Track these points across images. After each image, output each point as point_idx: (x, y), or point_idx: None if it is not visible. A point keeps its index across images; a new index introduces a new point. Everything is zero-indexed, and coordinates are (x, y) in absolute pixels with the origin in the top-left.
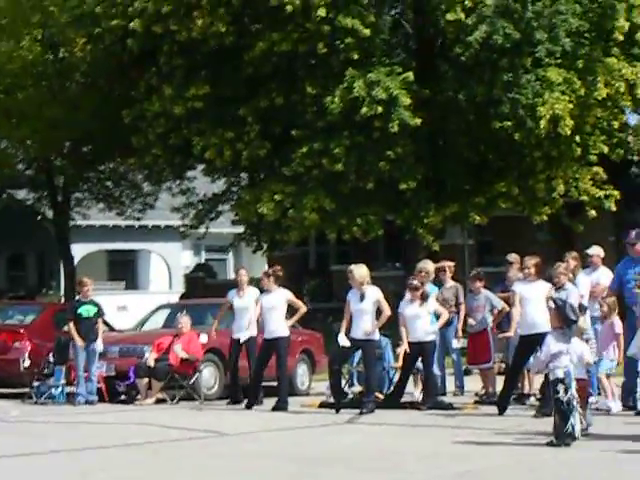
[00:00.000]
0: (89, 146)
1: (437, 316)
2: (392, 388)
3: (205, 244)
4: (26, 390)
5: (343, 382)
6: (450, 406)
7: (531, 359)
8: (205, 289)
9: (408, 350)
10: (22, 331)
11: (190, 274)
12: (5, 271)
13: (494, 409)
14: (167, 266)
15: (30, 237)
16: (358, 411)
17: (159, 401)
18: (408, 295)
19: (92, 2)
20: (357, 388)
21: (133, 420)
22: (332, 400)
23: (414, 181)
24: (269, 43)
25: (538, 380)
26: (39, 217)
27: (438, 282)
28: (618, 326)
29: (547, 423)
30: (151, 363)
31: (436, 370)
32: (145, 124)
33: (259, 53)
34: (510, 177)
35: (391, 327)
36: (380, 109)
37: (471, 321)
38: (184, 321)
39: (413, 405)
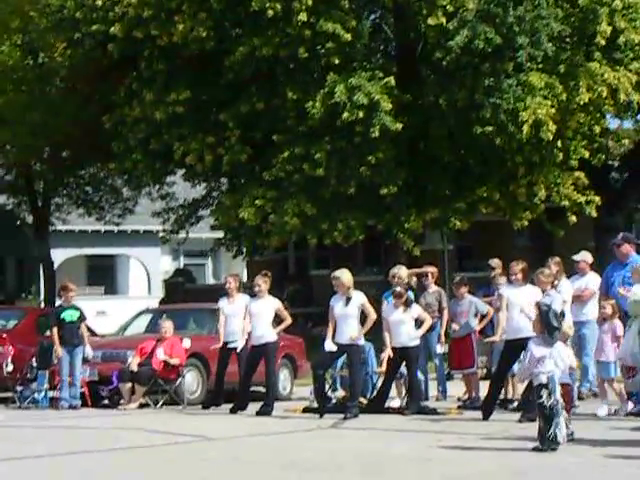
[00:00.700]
0: (69, 151)
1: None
2: (375, 393)
3: (184, 249)
4: (9, 395)
5: (326, 387)
6: (434, 411)
7: (515, 366)
8: (184, 294)
9: (392, 355)
10: (4, 336)
11: (169, 279)
12: None
13: (478, 414)
14: (146, 271)
15: (9, 242)
16: (342, 416)
17: (142, 406)
18: (392, 301)
19: (72, 7)
20: (340, 393)
21: (117, 425)
22: (316, 405)
23: (395, 186)
24: (250, 48)
25: (522, 385)
26: (18, 222)
27: (421, 288)
28: (620, 328)
29: (532, 428)
30: (134, 368)
31: (419, 375)
32: (125, 129)
33: (240, 58)
34: (491, 182)
35: (375, 332)
36: (361, 114)
37: (454, 326)
38: (167, 326)
39: (397, 410)
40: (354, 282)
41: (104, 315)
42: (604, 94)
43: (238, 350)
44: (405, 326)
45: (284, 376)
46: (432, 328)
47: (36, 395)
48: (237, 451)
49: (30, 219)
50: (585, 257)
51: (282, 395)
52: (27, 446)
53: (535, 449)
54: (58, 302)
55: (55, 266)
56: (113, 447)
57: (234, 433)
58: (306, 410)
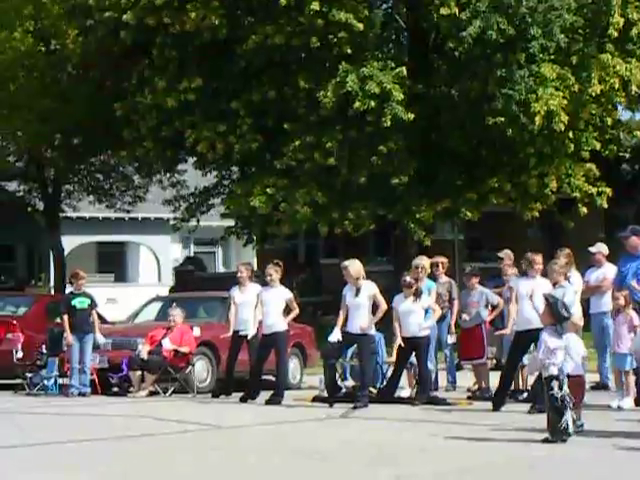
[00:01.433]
0: (80, 138)
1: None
2: (385, 383)
3: (194, 237)
4: (19, 381)
5: (336, 376)
6: (444, 401)
7: (525, 359)
8: (194, 282)
9: (402, 345)
10: (15, 322)
11: (180, 267)
12: None
13: (488, 405)
14: (156, 259)
15: (20, 229)
16: (352, 405)
17: (152, 394)
18: (403, 291)
19: None
20: (350, 382)
21: (127, 412)
22: (325, 394)
23: (406, 176)
24: (262, 36)
25: (532, 377)
26: (29, 209)
27: (431, 278)
28: (636, 318)
29: (541, 419)
30: (144, 355)
31: (430, 365)
32: (137, 116)
33: (252, 46)
34: (502, 173)
35: (385, 322)
36: (373, 104)
37: (465, 316)
38: (176, 314)
39: (407, 400)
40: (365, 272)
41: (114, 302)
42: (616, 86)
43: (249, 338)
44: (415, 316)
45: (294, 365)
46: (442, 318)
47: (46, 382)
48: (247, 439)
49: (41, 206)
50: (601, 249)
51: (292, 384)
52: (36, 433)
53: (545, 440)
54: (69, 289)
55: (65, 253)
56: (122, 435)
57: (244, 422)
58: (316, 399)
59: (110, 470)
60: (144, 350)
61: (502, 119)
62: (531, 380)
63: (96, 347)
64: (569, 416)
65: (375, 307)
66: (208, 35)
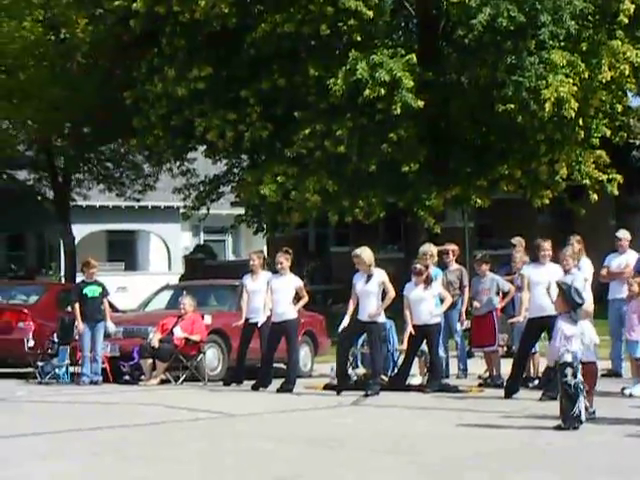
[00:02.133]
0: (90, 127)
1: (441, 300)
2: (396, 370)
3: (204, 225)
4: (30, 370)
5: (347, 364)
6: (455, 389)
7: (537, 346)
8: (204, 270)
9: (413, 332)
10: (26, 311)
11: (190, 255)
12: (5, 251)
13: (499, 392)
14: (166, 247)
15: (30, 217)
16: (363, 393)
17: (163, 382)
18: (413, 279)
19: None
20: (361, 370)
21: (138, 401)
22: (336, 382)
23: (416, 163)
24: (272, 24)
25: (543, 363)
26: (39, 198)
27: (442, 265)
28: None
29: (552, 407)
30: (155, 344)
31: (441, 352)
32: (147, 105)
33: (262, 34)
34: (512, 160)
35: (395, 310)
36: (383, 91)
37: (476, 304)
38: (187, 302)
39: (418, 388)
40: (375, 260)
41: (124, 291)
42: (626, 72)
43: (259, 325)
44: (426, 304)
45: (305, 353)
46: (453, 306)
47: (57, 370)
48: (259, 427)
49: (51, 195)
50: (626, 235)
51: (303, 372)
52: (48, 421)
53: (558, 427)
54: (80, 278)
55: (76, 242)
56: (134, 423)
57: (255, 410)
58: (327, 387)
59: (121, 458)
60: (155, 338)
61: (512, 106)
62: (542, 367)
63: (107, 335)
64: (582, 403)
65: (384, 294)
66: (218, 23)
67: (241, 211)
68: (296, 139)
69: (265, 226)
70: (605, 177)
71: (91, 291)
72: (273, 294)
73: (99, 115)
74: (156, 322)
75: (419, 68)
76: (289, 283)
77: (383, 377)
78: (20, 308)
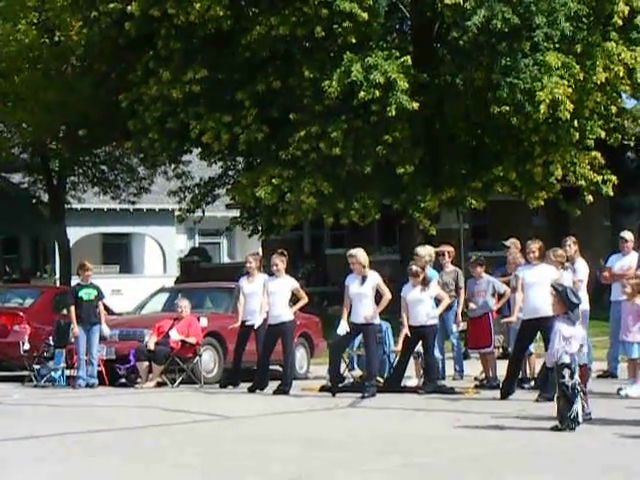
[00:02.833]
0: (85, 130)
1: (437, 301)
2: (392, 371)
3: (199, 228)
4: (26, 373)
5: (343, 366)
6: (451, 390)
7: (531, 347)
8: (200, 273)
9: (409, 334)
10: (21, 314)
11: (185, 258)
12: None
13: (495, 393)
14: (161, 250)
15: (25, 220)
16: (359, 395)
17: (159, 384)
18: (410, 280)
19: None
20: (357, 372)
21: (135, 403)
22: (330, 384)
23: (411, 165)
24: (267, 27)
25: (539, 364)
26: (34, 201)
27: (438, 267)
28: None
29: (548, 408)
30: (151, 346)
31: (437, 354)
32: (142, 108)
33: (257, 37)
34: (507, 161)
35: (390, 312)
36: (378, 93)
37: (472, 305)
38: (183, 305)
39: (413, 389)
40: (369, 262)
41: (119, 294)
42: (620, 74)
43: (256, 327)
44: (423, 305)
45: (301, 355)
46: (449, 307)
47: (53, 373)
48: (255, 430)
49: (46, 198)
50: (631, 236)
51: (299, 374)
52: (44, 424)
53: (554, 428)
54: (76, 281)
55: (70, 244)
56: (130, 426)
57: (252, 412)
58: (323, 389)
59: (119, 461)
60: (151, 341)
61: (507, 108)
62: (538, 368)
63: (103, 338)
64: (579, 405)
65: (379, 297)
66: (213, 26)
67: (236, 213)
68: (291, 141)
69: (260, 228)
70: (600, 178)
71: (86, 294)
72: (269, 296)
73: (94, 118)
74: (152, 325)
75: (414, 70)
76: (285, 285)
77: (379, 379)
78: (16, 311)
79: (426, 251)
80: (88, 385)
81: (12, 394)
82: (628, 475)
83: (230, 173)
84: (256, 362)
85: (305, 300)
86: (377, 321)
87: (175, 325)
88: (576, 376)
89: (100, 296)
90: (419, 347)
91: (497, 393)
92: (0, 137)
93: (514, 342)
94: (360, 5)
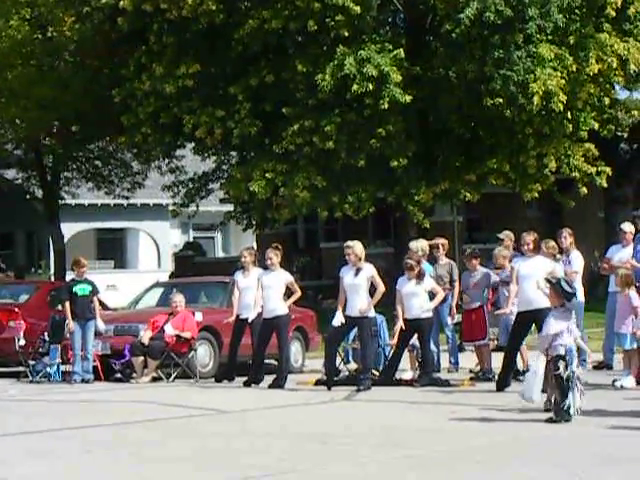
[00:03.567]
0: (78, 125)
1: (432, 294)
2: (387, 364)
3: (193, 222)
4: (22, 369)
5: (338, 360)
6: (447, 383)
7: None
8: (194, 267)
9: (404, 327)
10: (17, 310)
11: (179, 253)
12: None
13: (490, 386)
14: (156, 245)
15: (19, 216)
16: (355, 388)
17: (155, 379)
18: (405, 273)
19: None
20: (352, 365)
21: (130, 398)
22: (326, 377)
23: (405, 158)
24: (259, 21)
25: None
26: (28, 196)
27: (432, 259)
28: (635, 299)
29: (543, 399)
30: (145, 341)
31: (432, 347)
32: (135, 103)
33: (249, 31)
34: (501, 154)
35: (385, 305)
36: (371, 86)
37: (466, 298)
38: (178, 300)
39: (408, 382)
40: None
41: (114, 289)
42: (614, 65)
43: (250, 320)
44: (417, 298)
45: (296, 349)
46: (444, 300)
47: (48, 369)
48: (251, 424)
49: (40, 193)
50: (632, 228)
51: (294, 368)
52: (40, 420)
53: (549, 420)
54: (70, 276)
55: (65, 240)
56: (126, 420)
57: (247, 406)
58: (318, 383)
59: (114, 456)
60: (146, 336)
61: (500, 100)
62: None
63: (97, 334)
64: (574, 396)
65: (373, 289)
66: (205, 20)
67: (230, 208)
68: (285, 135)
69: (254, 222)
70: (594, 170)
71: (81, 289)
72: (263, 290)
73: (87, 113)
74: (147, 320)
75: (407, 63)
76: (279, 279)
77: (374, 372)
78: (11, 307)
79: (419, 245)
80: (84, 380)
81: (8, 390)
82: (623, 466)
83: (224, 167)
84: (251, 356)
85: (298, 294)
86: (372, 314)
87: (170, 320)
88: (572, 367)
89: (95, 291)
90: (414, 340)
91: (492, 385)
92: None
93: (509, 334)
94: None
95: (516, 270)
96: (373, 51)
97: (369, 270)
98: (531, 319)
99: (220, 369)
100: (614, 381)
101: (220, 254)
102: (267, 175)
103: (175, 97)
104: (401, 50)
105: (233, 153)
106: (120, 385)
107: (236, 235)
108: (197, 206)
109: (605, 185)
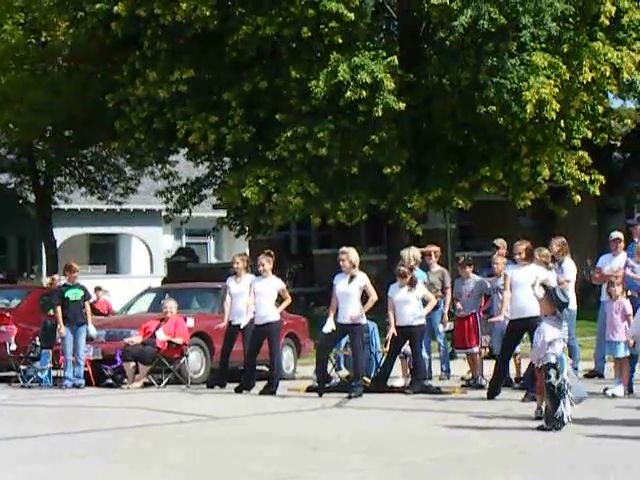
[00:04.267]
0: (71, 130)
1: (425, 302)
2: (378, 371)
3: (186, 228)
4: (13, 374)
5: (330, 366)
6: (438, 390)
7: (518, 347)
8: (187, 273)
9: (396, 334)
10: (8, 315)
11: (172, 258)
12: None
13: (482, 393)
14: (148, 250)
15: (12, 221)
16: (346, 395)
17: (146, 385)
18: (397, 280)
19: None
20: (344, 372)
21: (122, 404)
22: (317, 384)
23: (398, 165)
24: (253, 27)
25: (525, 364)
26: (21, 201)
27: (424, 267)
28: (628, 307)
29: (535, 408)
30: (137, 345)
31: (424, 354)
32: (128, 108)
33: (243, 37)
34: (494, 161)
35: (378, 312)
36: (364, 93)
37: (459, 305)
38: (170, 305)
39: (400, 389)
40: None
41: (106, 294)
42: (607, 73)
43: (242, 326)
44: (409, 306)
45: (287, 355)
46: (436, 307)
47: (39, 374)
48: (242, 430)
49: (32, 198)
50: (622, 237)
51: (286, 374)
52: (31, 425)
53: (540, 428)
54: (62, 281)
55: (57, 245)
56: (117, 426)
57: (239, 412)
58: (310, 389)
59: (105, 462)
60: (137, 340)
61: (493, 108)
62: (524, 368)
63: (89, 339)
64: (566, 404)
65: (365, 298)
66: (199, 26)
67: (223, 214)
68: (278, 141)
69: (247, 229)
70: (587, 178)
71: (73, 294)
72: (255, 296)
73: (81, 118)
74: (138, 325)
75: (400, 70)
76: (271, 285)
77: (366, 379)
78: (2, 312)
79: (410, 254)
80: (75, 385)
81: (0, 394)
82: (614, 475)
83: (217, 173)
84: (243, 362)
85: (289, 301)
86: (364, 321)
87: (162, 325)
88: (563, 376)
89: (86, 296)
90: (406, 347)
91: (484, 393)
92: None
93: (502, 342)
94: (347, 5)
95: (509, 278)
96: (367, 58)
97: (362, 279)
98: (523, 327)
99: (212, 375)
100: (605, 389)
101: (213, 260)
102: (260, 181)
103: (169, 103)
104: (395, 57)
105: (226, 159)
106: (111, 390)
107: (229, 241)
108: (190, 212)
109: (598, 193)
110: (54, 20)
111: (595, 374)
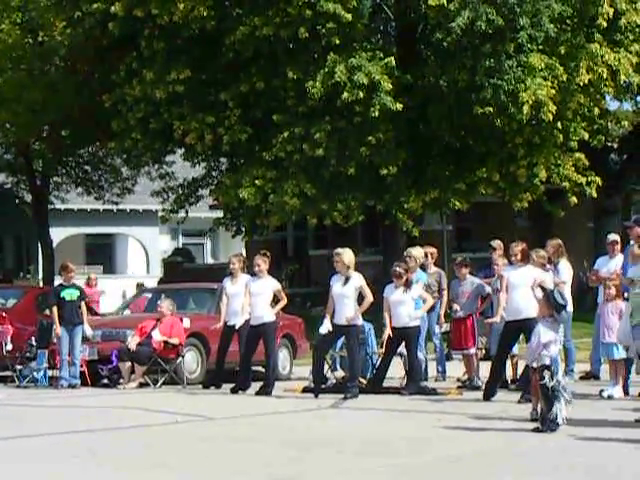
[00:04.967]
0: (68, 130)
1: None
2: (374, 372)
3: (182, 228)
4: (9, 374)
5: (326, 367)
6: (434, 391)
7: (515, 349)
8: (183, 274)
9: (391, 335)
10: (4, 314)
11: (168, 258)
12: None
13: (478, 394)
14: (145, 250)
15: (8, 221)
16: (342, 396)
17: (142, 385)
18: (393, 281)
19: None
20: (340, 373)
21: (117, 404)
22: (313, 385)
23: (395, 166)
24: (250, 27)
25: (522, 366)
26: (17, 201)
27: (421, 268)
28: (625, 309)
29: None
30: (132, 347)
31: (420, 355)
32: (125, 108)
33: (240, 37)
34: (491, 163)
35: (374, 313)
36: (361, 94)
37: (455, 306)
38: (166, 305)
39: (396, 390)
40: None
41: (103, 294)
42: (604, 75)
43: (237, 327)
44: (405, 306)
45: (283, 356)
46: (432, 308)
47: (35, 374)
48: (238, 430)
49: (29, 198)
50: (618, 239)
51: (282, 375)
52: (27, 425)
53: (535, 430)
54: (58, 281)
55: (54, 245)
56: (113, 426)
57: (234, 413)
58: (306, 390)
59: (101, 462)
60: (133, 341)
61: (490, 109)
62: (521, 369)
63: (85, 339)
64: (561, 406)
65: (361, 299)
66: (196, 26)
67: (220, 214)
68: (275, 142)
69: (244, 229)
70: (584, 180)
71: (68, 294)
72: (251, 297)
73: (77, 118)
74: (134, 325)
75: (398, 71)
76: (267, 286)
77: (362, 380)
78: None
79: (419, 252)
80: (70, 386)
81: None
82: (608, 476)
83: (214, 174)
84: (238, 363)
85: (284, 301)
86: (360, 322)
87: (158, 326)
88: (557, 377)
89: (82, 296)
90: (402, 348)
91: (480, 394)
92: None
93: (498, 343)
94: (344, 6)
95: (506, 279)
96: (364, 59)
97: (358, 280)
98: (519, 328)
99: (208, 375)
100: (601, 391)
101: (209, 260)
102: (257, 182)
103: (165, 103)
104: (392, 58)
105: (223, 159)
106: (107, 391)
107: (225, 241)
108: (186, 212)
109: (595, 195)
110: (51, 20)
111: (591, 376)
